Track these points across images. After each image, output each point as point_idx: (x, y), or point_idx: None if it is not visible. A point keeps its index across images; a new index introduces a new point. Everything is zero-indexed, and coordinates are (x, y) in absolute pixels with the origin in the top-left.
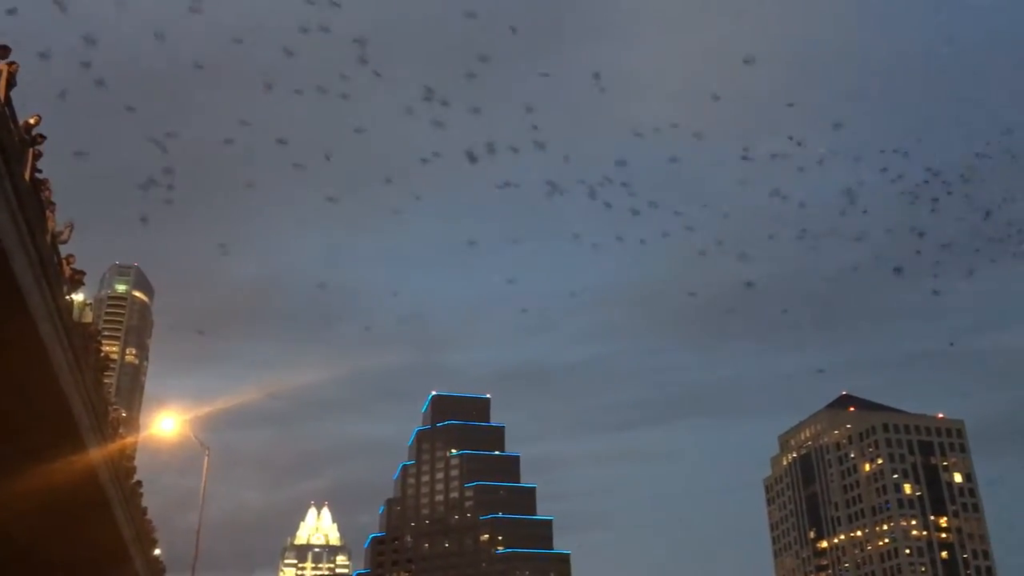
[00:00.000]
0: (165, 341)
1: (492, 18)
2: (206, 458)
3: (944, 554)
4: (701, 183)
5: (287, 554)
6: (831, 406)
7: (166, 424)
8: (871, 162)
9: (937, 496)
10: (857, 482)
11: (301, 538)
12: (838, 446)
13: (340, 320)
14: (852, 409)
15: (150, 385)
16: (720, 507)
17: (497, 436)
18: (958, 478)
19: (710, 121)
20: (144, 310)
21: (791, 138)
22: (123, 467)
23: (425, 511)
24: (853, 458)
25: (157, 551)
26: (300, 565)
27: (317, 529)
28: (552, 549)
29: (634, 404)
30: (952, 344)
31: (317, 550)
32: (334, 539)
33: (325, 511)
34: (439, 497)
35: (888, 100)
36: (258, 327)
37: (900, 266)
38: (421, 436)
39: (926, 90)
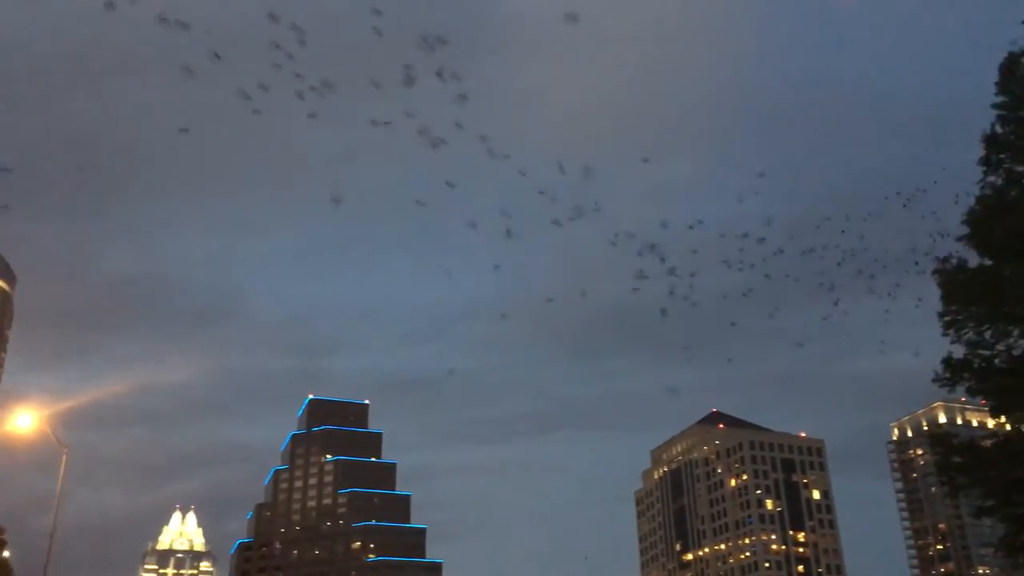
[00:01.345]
0: (26, 332)
1: (401, 28)
2: (64, 457)
3: (800, 568)
4: (595, 200)
5: (147, 559)
6: (702, 422)
7: (22, 420)
8: (745, 193)
9: (796, 512)
10: (723, 496)
11: (163, 543)
12: (707, 461)
13: (221, 320)
14: (721, 426)
15: (8, 379)
16: (593, 519)
17: (375, 443)
18: (816, 495)
19: (605, 144)
20: (4, 298)
21: (694, 166)
22: None
23: (296, 517)
24: (720, 473)
25: (6, 553)
26: (161, 571)
27: (181, 534)
28: (424, 558)
29: (514, 416)
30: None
31: (180, 555)
32: (199, 544)
33: (191, 515)
34: (311, 503)
35: (776, 136)
36: (132, 323)
37: (771, 293)
38: (296, 440)
39: (799, 128)
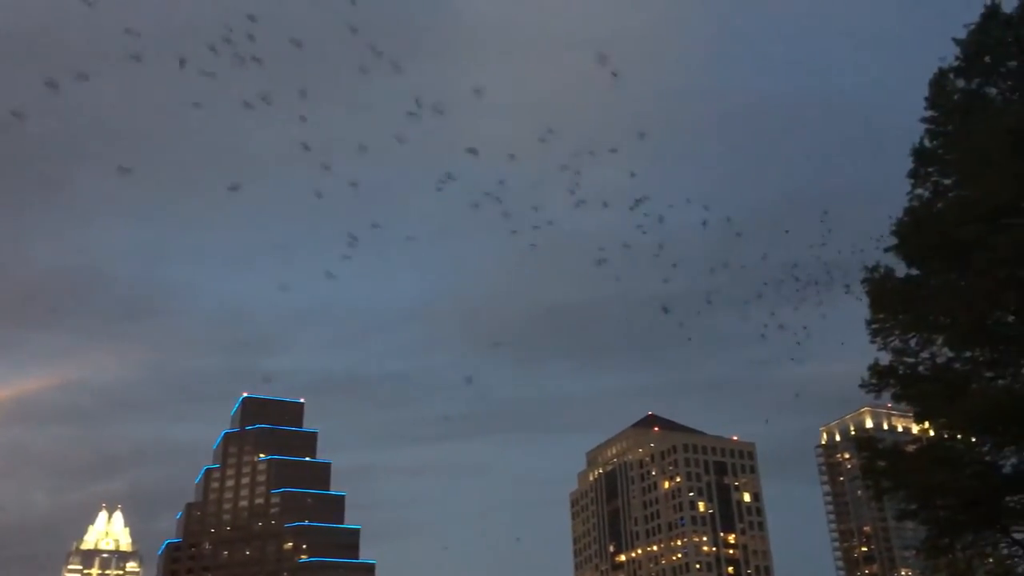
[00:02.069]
0: None
1: (334, 26)
2: None
3: (730, 569)
4: (530, 204)
5: (72, 559)
6: (637, 425)
7: None
8: (680, 201)
9: (727, 514)
10: (656, 499)
11: (88, 543)
12: (641, 464)
13: (153, 316)
14: (656, 429)
15: None
16: (529, 520)
17: (309, 442)
18: (747, 497)
19: (541, 147)
20: None
21: (633, 174)
22: None
23: (227, 517)
24: (654, 475)
25: None
26: (86, 571)
27: (107, 534)
28: (358, 559)
29: (451, 417)
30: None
31: (105, 555)
32: (125, 544)
33: (118, 515)
34: (243, 503)
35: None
36: (59, 318)
37: (709, 300)
38: (228, 439)
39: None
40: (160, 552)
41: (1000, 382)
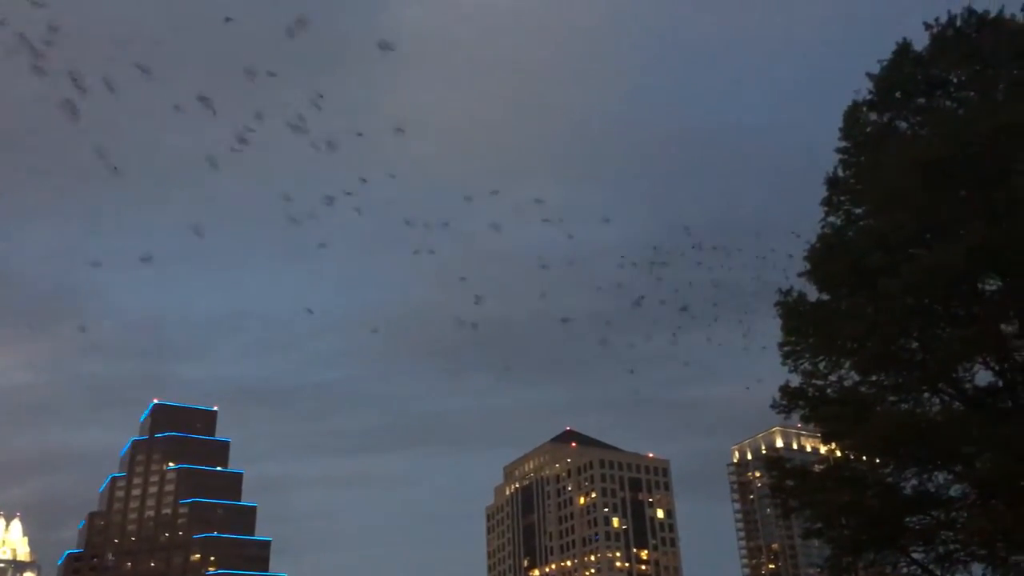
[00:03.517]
0: None
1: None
2: None
3: None
4: (447, 219)
5: None
6: (555, 440)
7: None
8: (601, 222)
9: (640, 530)
10: (572, 514)
11: None
12: (558, 479)
13: (62, 321)
14: (574, 444)
15: None
16: (445, 534)
17: (221, 451)
18: (660, 514)
19: (474, 167)
20: None
21: (559, 195)
22: None
23: (132, 527)
24: (570, 491)
25: None
26: None
27: (4, 542)
28: (267, 572)
29: (369, 429)
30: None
31: (1, 565)
32: (23, 554)
33: (15, 523)
34: (149, 513)
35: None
36: None
37: (631, 318)
38: (136, 446)
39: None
40: (60, 562)
41: (903, 406)
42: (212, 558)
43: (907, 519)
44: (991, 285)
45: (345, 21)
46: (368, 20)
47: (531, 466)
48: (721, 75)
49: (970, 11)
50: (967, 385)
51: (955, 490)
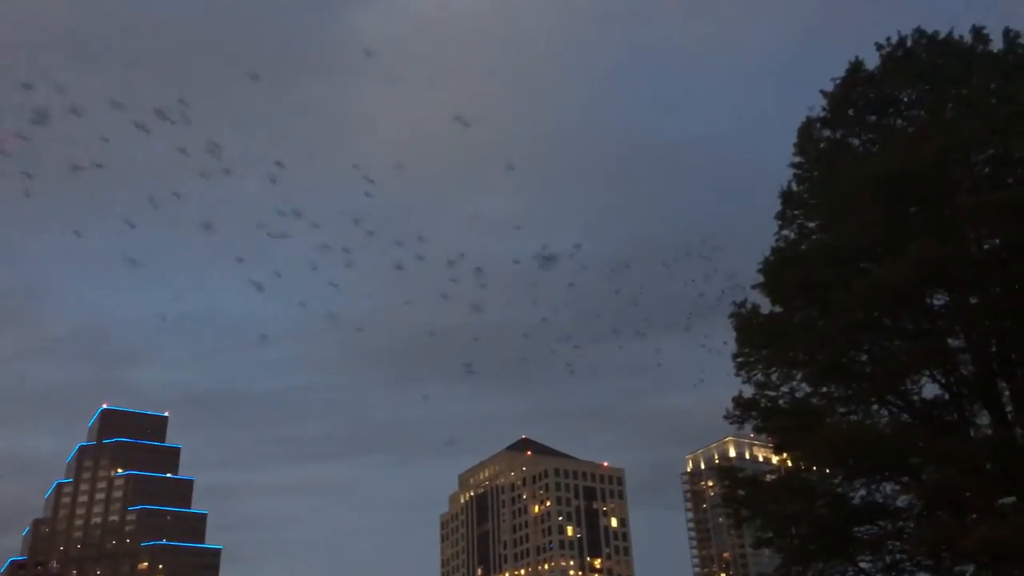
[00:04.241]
0: None
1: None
2: None
3: None
4: (418, 230)
5: None
6: (510, 448)
7: None
8: (562, 235)
9: (595, 538)
10: (526, 522)
11: None
12: (513, 487)
13: (6, 325)
14: (529, 453)
15: None
16: (400, 542)
17: (172, 458)
18: (614, 523)
19: (431, 177)
20: None
21: (518, 205)
22: None
23: (78, 535)
24: (525, 499)
25: None
26: None
27: None
28: None
29: (323, 437)
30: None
31: None
32: None
33: None
34: (96, 520)
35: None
36: None
37: (587, 329)
38: (83, 452)
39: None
40: (3, 570)
41: (852, 418)
42: (161, 566)
43: (856, 529)
44: (939, 300)
45: (301, 30)
46: (324, 29)
47: (486, 474)
48: (680, 89)
49: (920, 32)
50: (914, 398)
51: (902, 501)
